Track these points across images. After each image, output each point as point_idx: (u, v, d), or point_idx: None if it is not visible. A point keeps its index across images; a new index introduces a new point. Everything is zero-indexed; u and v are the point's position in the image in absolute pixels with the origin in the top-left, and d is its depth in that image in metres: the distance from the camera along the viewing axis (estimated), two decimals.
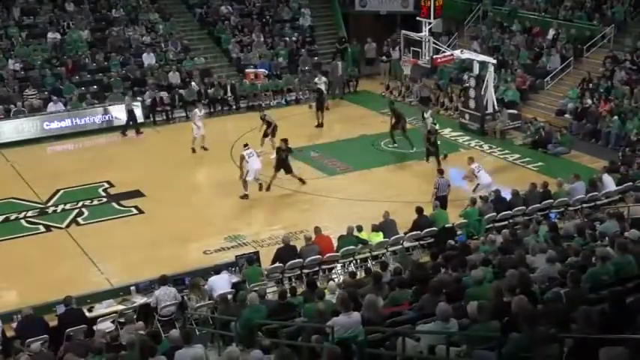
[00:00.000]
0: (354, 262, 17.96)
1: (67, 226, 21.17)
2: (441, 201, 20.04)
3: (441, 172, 21.29)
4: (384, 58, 36.05)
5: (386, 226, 18.56)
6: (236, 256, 17.45)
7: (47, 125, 28.67)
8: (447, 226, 18.61)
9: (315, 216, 20.88)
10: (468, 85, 28.58)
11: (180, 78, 32.30)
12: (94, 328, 14.69)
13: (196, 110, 27.06)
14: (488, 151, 26.43)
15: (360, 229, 18.46)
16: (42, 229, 21.10)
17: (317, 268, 17.40)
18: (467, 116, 28.37)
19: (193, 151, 26.42)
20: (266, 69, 33.80)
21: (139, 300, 15.95)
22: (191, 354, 11.03)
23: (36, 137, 28.29)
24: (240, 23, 36.62)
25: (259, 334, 12.26)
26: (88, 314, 15.27)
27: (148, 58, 33.03)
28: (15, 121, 28.61)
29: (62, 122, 28.87)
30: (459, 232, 18.61)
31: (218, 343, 13.79)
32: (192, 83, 31.89)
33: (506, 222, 19.26)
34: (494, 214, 19.33)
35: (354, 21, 39.18)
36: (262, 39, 35.83)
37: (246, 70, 33.66)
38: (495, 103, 28.16)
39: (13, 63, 31.16)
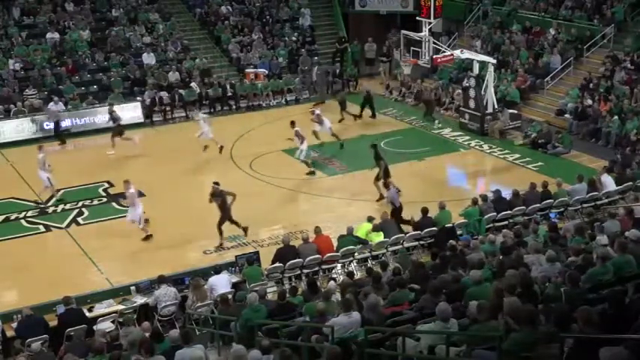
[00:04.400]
0: (354, 262, 17.97)
1: (67, 226, 21.18)
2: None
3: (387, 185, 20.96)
4: (383, 58, 36.07)
5: (386, 226, 18.57)
6: (236, 256, 17.46)
7: (47, 125, 28.67)
8: (447, 226, 18.59)
9: (315, 216, 20.86)
10: (467, 84, 28.58)
11: (180, 78, 32.33)
12: (94, 328, 14.70)
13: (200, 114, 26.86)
14: (488, 151, 26.43)
15: (370, 219, 18.56)
16: (42, 229, 21.12)
17: (317, 268, 17.41)
18: (467, 116, 28.37)
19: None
20: (266, 69, 33.84)
21: (139, 300, 15.95)
22: (191, 354, 11.03)
23: (36, 137, 28.26)
24: (240, 23, 36.63)
25: (259, 334, 12.27)
26: (88, 314, 15.27)
27: (148, 58, 33.05)
28: (15, 121, 28.63)
29: (62, 122, 28.85)
30: (459, 232, 18.59)
31: (218, 343, 13.81)
32: (193, 83, 31.90)
33: (506, 222, 19.27)
34: (495, 213, 19.33)
35: (354, 21, 39.20)
36: (262, 39, 35.86)
37: (246, 70, 33.71)
38: (495, 102, 28.16)
39: (13, 63, 31.20)
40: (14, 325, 14.77)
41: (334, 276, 17.54)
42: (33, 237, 20.64)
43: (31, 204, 22.49)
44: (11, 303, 16.57)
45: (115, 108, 29.46)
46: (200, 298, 15.72)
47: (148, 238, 20.10)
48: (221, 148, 25.80)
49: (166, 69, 32.71)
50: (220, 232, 19.48)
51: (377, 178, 21.90)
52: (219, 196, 19.38)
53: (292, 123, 24.78)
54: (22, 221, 21.52)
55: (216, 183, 19.67)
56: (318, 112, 26.54)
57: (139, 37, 34.25)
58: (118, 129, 26.79)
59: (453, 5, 35.13)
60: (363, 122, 29.63)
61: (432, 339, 10.07)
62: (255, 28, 36.31)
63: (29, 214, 21.89)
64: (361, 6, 38.56)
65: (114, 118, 27.18)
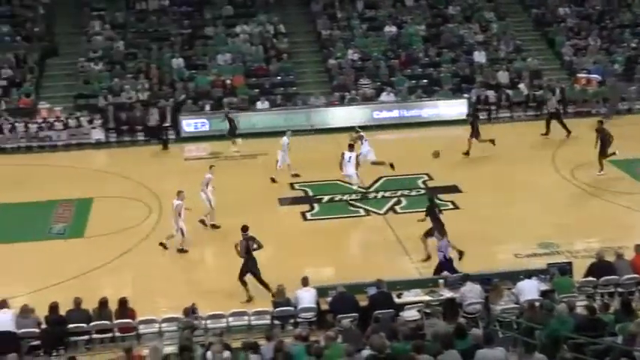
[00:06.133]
0: None
1: (386, 212, 22.08)
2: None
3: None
4: None
5: None
6: (548, 264, 17.12)
7: (377, 114, 30.05)
8: None
9: (636, 232, 19.79)
10: None
11: (508, 78, 32.20)
12: (400, 314, 15.22)
13: (284, 138, 24.75)
14: None
15: None
16: (362, 212, 22.25)
17: (634, 289, 16.55)
18: None
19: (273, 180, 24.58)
20: (599, 75, 32.50)
21: (446, 294, 16.21)
22: (492, 355, 11.06)
23: (365, 125, 29.58)
24: (577, 26, 35.60)
25: (564, 347, 11.99)
26: (396, 300, 15.83)
27: (479, 56, 33.31)
28: (348, 108, 30.33)
29: (391, 112, 30.20)
30: None
31: (521, 349, 13.67)
32: (521, 84, 31.63)
33: None
34: None
35: None
36: (599, 43, 34.52)
37: (578, 75, 32.65)
38: None
39: (352, 53, 33.08)
40: (329, 299, 15.78)
41: None
42: (353, 219, 21.76)
43: (354, 187, 23.60)
44: (327, 279, 17.54)
45: (441, 103, 30.19)
46: (497, 301, 15.67)
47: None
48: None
49: (496, 68, 32.77)
50: (244, 284, 17.31)
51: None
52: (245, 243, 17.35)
53: None
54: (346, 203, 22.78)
55: (244, 229, 17.58)
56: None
57: (472, 34, 34.66)
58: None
59: None
60: None
61: None
62: (592, 31, 35.07)
63: (352, 197, 23.06)
64: None
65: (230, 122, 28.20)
